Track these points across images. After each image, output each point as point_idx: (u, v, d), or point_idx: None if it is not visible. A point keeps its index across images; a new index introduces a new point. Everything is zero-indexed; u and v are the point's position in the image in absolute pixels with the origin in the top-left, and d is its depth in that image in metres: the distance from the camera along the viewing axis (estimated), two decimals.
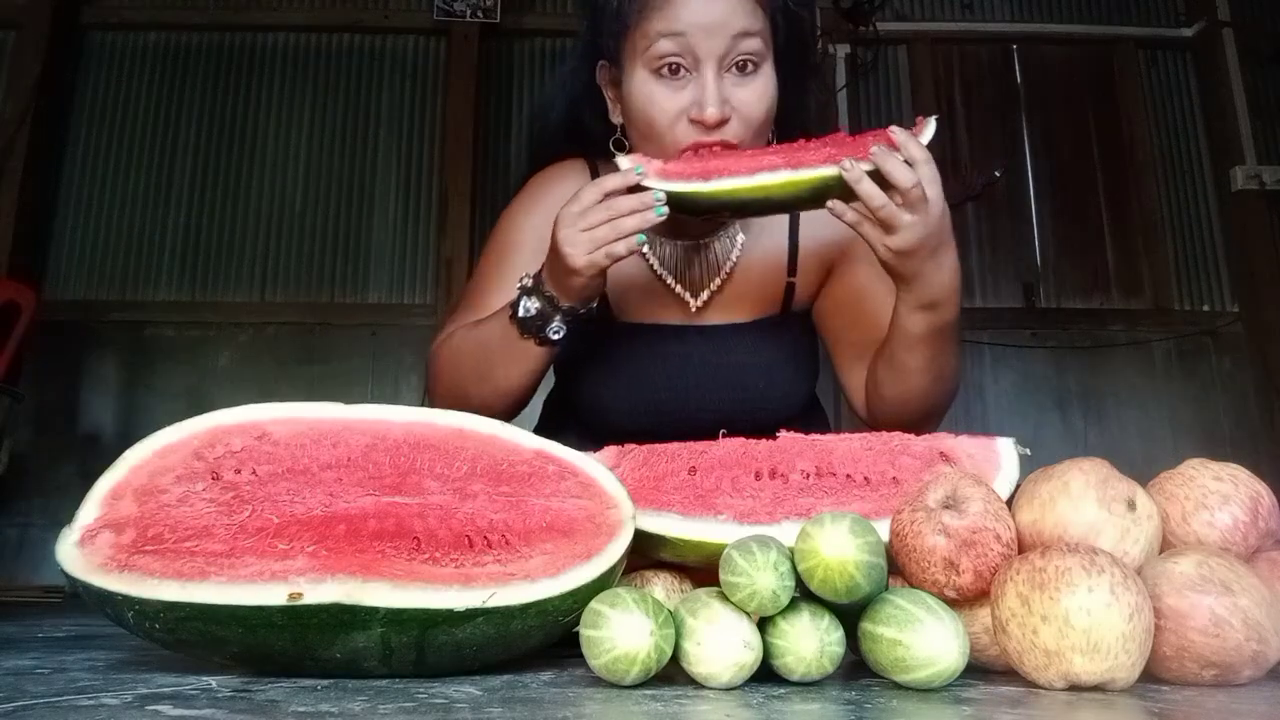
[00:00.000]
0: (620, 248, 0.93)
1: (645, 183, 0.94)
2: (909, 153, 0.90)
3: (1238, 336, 3.48)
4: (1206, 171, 3.64)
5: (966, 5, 3.76)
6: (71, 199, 3.50)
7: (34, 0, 3.46)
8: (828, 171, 0.91)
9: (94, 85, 3.60)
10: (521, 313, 1.00)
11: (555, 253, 0.96)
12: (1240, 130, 3.49)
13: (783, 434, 0.78)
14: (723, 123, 1.00)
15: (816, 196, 0.93)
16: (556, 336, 1.01)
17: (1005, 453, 0.74)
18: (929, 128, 0.94)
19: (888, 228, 0.91)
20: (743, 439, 0.77)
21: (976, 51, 3.74)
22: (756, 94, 1.02)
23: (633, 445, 0.78)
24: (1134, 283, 3.56)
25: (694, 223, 1.15)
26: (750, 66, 1.02)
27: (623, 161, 0.96)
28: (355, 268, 3.51)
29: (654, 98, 1.02)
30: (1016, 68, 3.73)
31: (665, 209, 0.93)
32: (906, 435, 0.77)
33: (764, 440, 0.77)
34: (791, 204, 0.97)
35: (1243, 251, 3.48)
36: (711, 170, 0.94)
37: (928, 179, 0.89)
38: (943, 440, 0.76)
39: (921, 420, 1.06)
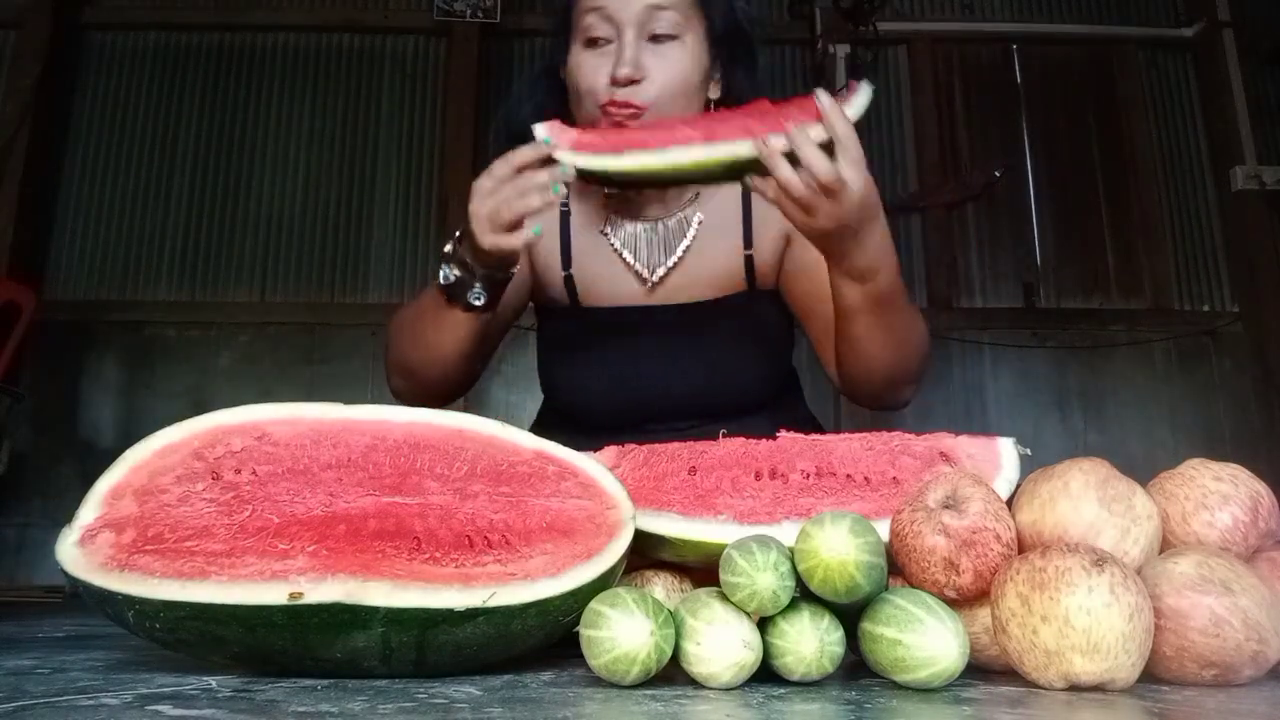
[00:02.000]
0: (534, 201, 0.94)
1: (556, 155, 0.93)
2: (831, 127, 0.87)
3: (1238, 336, 3.47)
4: (1206, 171, 3.64)
5: (966, 5, 3.76)
6: (71, 199, 3.50)
7: (34, 0, 3.46)
8: (742, 149, 0.88)
9: (94, 85, 3.60)
10: (442, 280, 1.02)
11: (469, 222, 0.97)
12: (1240, 130, 3.49)
13: (783, 434, 0.78)
14: (633, 82, 1.07)
15: (733, 171, 0.91)
16: (478, 303, 1.03)
17: (1005, 453, 0.74)
18: (860, 96, 0.90)
19: (806, 210, 0.90)
20: (743, 439, 0.77)
21: (976, 51, 3.74)
22: (671, 61, 1.10)
23: (633, 445, 0.78)
24: (1134, 283, 3.56)
25: (651, 204, 1.19)
26: (666, 39, 1.10)
27: (538, 130, 0.95)
28: (355, 268, 3.51)
29: (582, 65, 1.11)
30: (1016, 68, 3.73)
31: (563, 188, 0.93)
32: (907, 435, 0.77)
33: (764, 440, 0.77)
34: (707, 178, 0.95)
35: (1243, 251, 3.48)
36: (623, 143, 0.93)
37: (850, 160, 0.87)
38: (943, 440, 0.76)
39: (892, 388, 1.08)
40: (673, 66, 1.09)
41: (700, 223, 1.19)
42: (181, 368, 3.38)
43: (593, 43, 1.11)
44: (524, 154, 0.94)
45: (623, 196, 1.20)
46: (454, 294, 1.03)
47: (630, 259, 1.19)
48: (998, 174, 3.54)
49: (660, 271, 1.18)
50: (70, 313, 3.37)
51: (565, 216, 1.23)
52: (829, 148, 0.87)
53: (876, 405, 1.13)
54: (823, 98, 0.88)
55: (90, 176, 3.53)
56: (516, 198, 0.94)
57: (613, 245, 1.20)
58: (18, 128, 3.32)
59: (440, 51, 3.67)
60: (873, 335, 1.02)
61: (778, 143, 0.87)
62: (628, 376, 1.18)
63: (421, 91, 3.66)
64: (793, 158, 0.88)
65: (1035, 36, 3.72)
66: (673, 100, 1.09)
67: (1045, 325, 3.50)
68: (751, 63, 1.22)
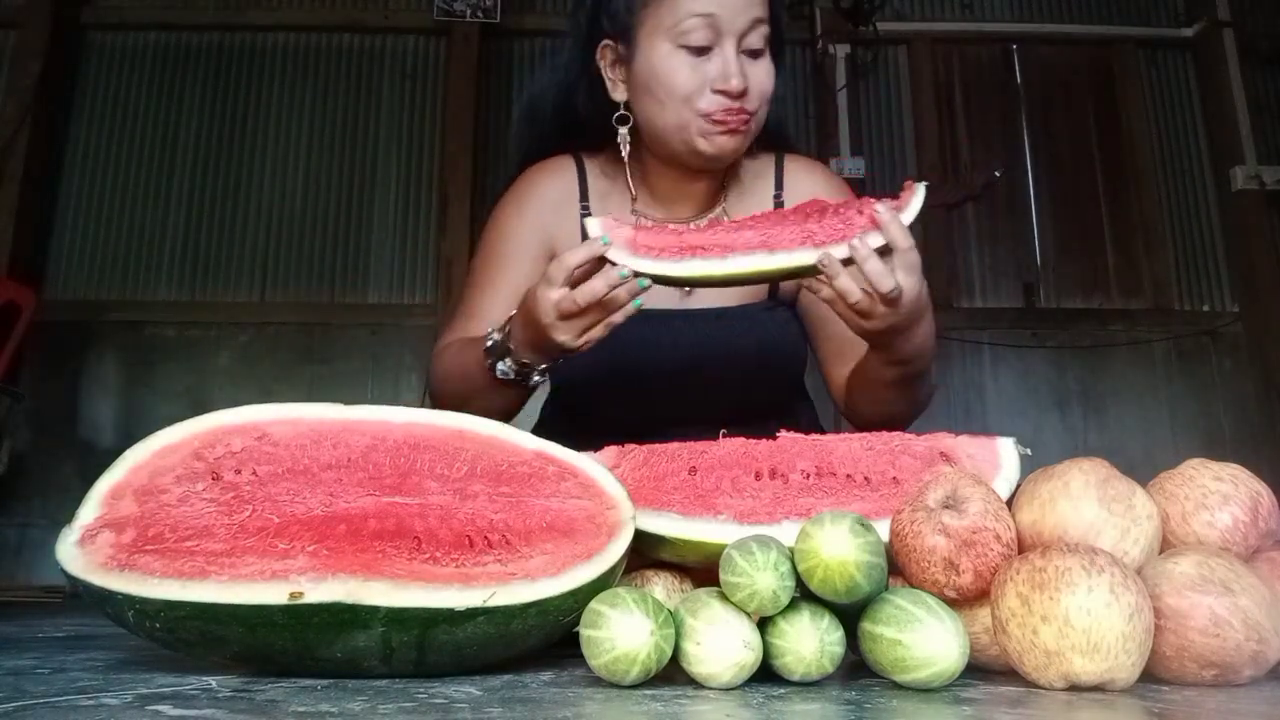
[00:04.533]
0: (618, 318, 0.94)
1: (613, 259, 0.92)
2: (891, 237, 0.88)
3: (1238, 336, 3.47)
4: (1206, 171, 3.64)
5: (966, 5, 3.76)
6: (71, 199, 3.50)
7: (34, 0, 3.46)
8: (803, 259, 0.89)
9: (94, 85, 3.60)
10: (499, 374, 1.03)
11: (539, 335, 0.96)
12: (1240, 130, 3.49)
13: (783, 434, 0.78)
14: (743, 93, 1.09)
15: (792, 276, 0.93)
16: (537, 385, 1.05)
17: (1005, 453, 0.74)
18: (915, 198, 0.92)
19: (862, 316, 0.92)
20: (743, 439, 0.77)
21: (976, 51, 3.74)
22: (765, 72, 1.13)
23: (633, 445, 0.78)
24: (1134, 283, 3.56)
25: (679, 205, 1.20)
26: (759, 53, 1.12)
27: (591, 227, 0.95)
28: (355, 268, 3.51)
29: (679, 69, 1.10)
30: (1016, 68, 3.73)
31: (649, 282, 0.92)
32: (907, 435, 0.77)
33: (764, 440, 0.77)
34: (765, 281, 0.99)
35: (1243, 251, 3.48)
36: (684, 248, 0.92)
37: (906, 266, 0.89)
38: (943, 440, 0.76)
39: (893, 425, 1.09)
40: (765, 79, 1.13)
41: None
42: (181, 368, 3.38)
43: (695, 49, 1.10)
44: (579, 255, 0.93)
45: (649, 192, 1.22)
46: (513, 381, 1.04)
47: None
48: (997, 174, 3.55)
49: None
50: (70, 313, 3.37)
51: (588, 215, 1.22)
52: (885, 251, 0.89)
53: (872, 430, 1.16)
54: (880, 208, 0.89)
55: (90, 177, 3.53)
56: (602, 316, 0.93)
57: None
58: (18, 128, 3.32)
59: (440, 51, 3.67)
60: (897, 399, 1.08)
61: (838, 252, 0.89)
62: (646, 378, 1.18)
63: (421, 91, 3.66)
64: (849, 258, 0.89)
65: (1035, 36, 3.72)
66: (760, 110, 1.13)
67: (1045, 325, 3.50)
68: (779, 71, 1.24)
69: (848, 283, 0.89)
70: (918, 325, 0.96)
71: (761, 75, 1.12)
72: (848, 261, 0.89)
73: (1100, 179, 3.62)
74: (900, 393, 1.07)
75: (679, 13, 1.09)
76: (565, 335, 0.94)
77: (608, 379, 1.18)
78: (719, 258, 0.91)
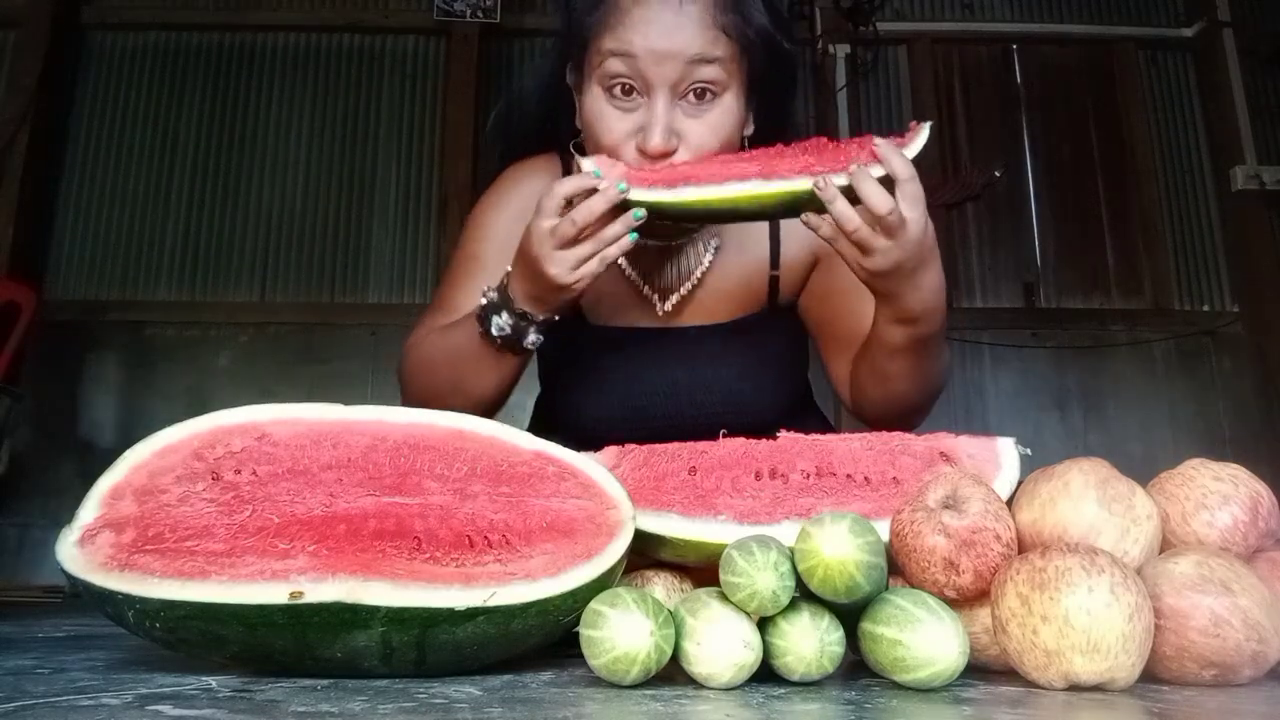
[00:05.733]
0: (613, 251, 0.91)
1: (628, 193, 0.89)
2: (891, 168, 0.85)
3: (1238, 336, 3.47)
4: (1206, 171, 3.64)
5: (966, 5, 3.76)
6: (71, 199, 3.50)
7: (34, 0, 3.46)
8: (800, 185, 0.87)
9: (94, 85, 3.60)
10: (495, 331, 0.97)
11: (534, 270, 0.92)
12: (1240, 130, 3.49)
13: (783, 434, 0.78)
14: (667, 154, 0.96)
15: (790, 208, 0.90)
16: (533, 346, 0.99)
17: (1005, 453, 0.74)
18: (920, 136, 0.89)
19: (863, 249, 0.87)
20: (743, 439, 0.77)
21: (976, 51, 3.74)
22: (709, 126, 0.97)
23: (633, 445, 0.78)
24: (1134, 283, 3.56)
25: (665, 224, 1.10)
26: (709, 95, 0.97)
27: (585, 164, 0.92)
28: (355, 268, 3.51)
29: (603, 117, 0.99)
30: (1016, 68, 3.73)
31: (643, 212, 0.90)
32: (907, 435, 0.77)
33: (764, 440, 0.77)
34: (763, 214, 0.94)
35: (1243, 251, 3.48)
36: (678, 178, 0.90)
37: (909, 198, 0.86)
38: (943, 440, 0.76)
39: (905, 416, 1.05)
40: (710, 133, 0.97)
41: (717, 247, 1.13)
42: (181, 368, 3.38)
43: (617, 91, 0.98)
44: (571, 184, 0.89)
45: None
46: (505, 343, 0.98)
47: (640, 283, 1.13)
48: (998, 174, 3.54)
49: (674, 299, 1.13)
50: (70, 313, 3.37)
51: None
52: (888, 184, 0.86)
53: (882, 428, 1.08)
54: (880, 143, 0.86)
55: (90, 176, 3.53)
56: (588, 239, 0.90)
57: (621, 266, 1.12)
58: (18, 128, 3.32)
59: (440, 51, 3.67)
60: (905, 375, 1.00)
61: (837, 180, 0.86)
62: (638, 403, 1.12)
63: (421, 91, 3.66)
64: (851, 197, 0.86)
65: (1035, 36, 3.72)
66: None
67: (1045, 325, 3.50)
68: (790, 92, 1.14)
69: (845, 207, 0.85)
70: (924, 271, 0.90)
71: (700, 129, 0.96)
72: (848, 194, 0.86)
73: (1100, 179, 3.62)
74: (910, 364, 0.99)
75: (602, 51, 0.97)
76: (559, 267, 0.90)
77: (595, 397, 1.14)
78: (713, 183, 0.89)
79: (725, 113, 0.98)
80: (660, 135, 0.94)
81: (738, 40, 0.98)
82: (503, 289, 0.97)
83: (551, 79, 1.14)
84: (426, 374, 1.08)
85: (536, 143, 1.19)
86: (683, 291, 1.13)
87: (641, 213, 0.90)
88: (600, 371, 1.14)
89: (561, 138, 1.15)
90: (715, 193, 0.89)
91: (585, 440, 0.89)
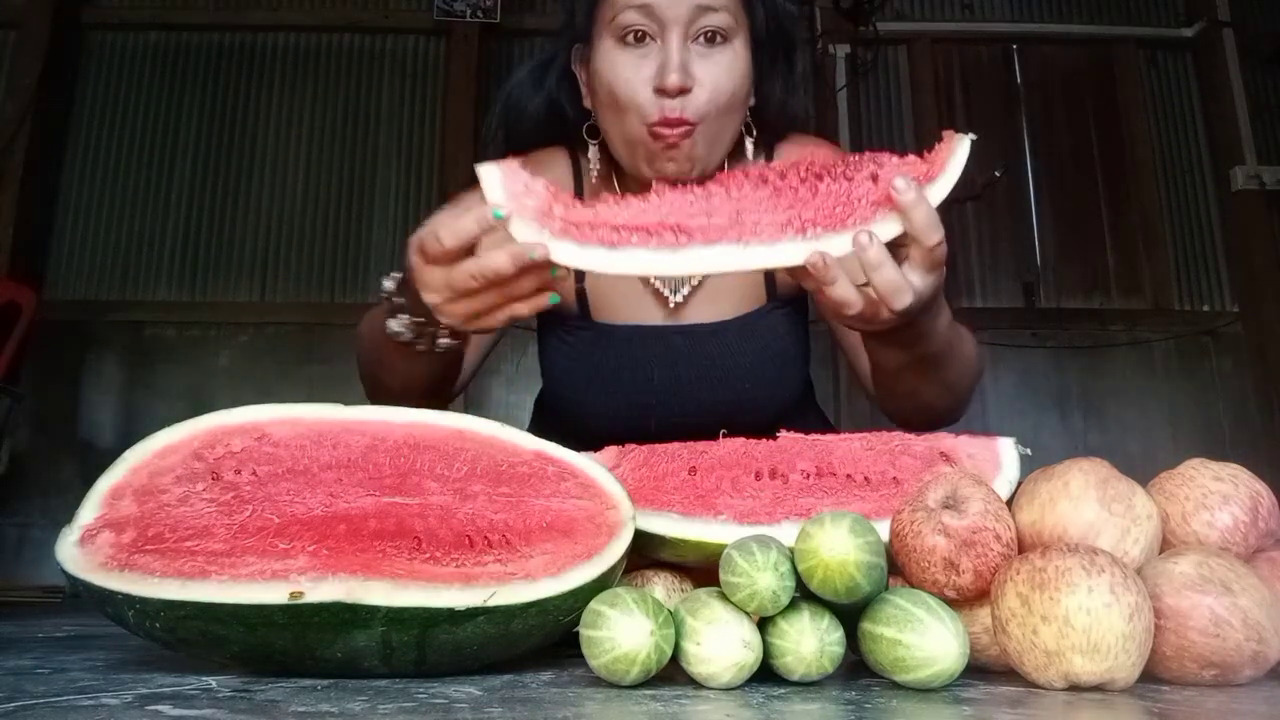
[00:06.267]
0: (523, 309, 0.76)
1: (544, 250, 0.69)
2: (915, 226, 0.68)
3: (1238, 336, 3.48)
4: (1206, 171, 3.64)
5: (966, 5, 3.76)
6: (71, 199, 3.50)
7: (34, 0, 3.46)
8: (786, 260, 0.69)
9: (94, 85, 3.60)
10: (392, 335, 0.86)
11: (423, 301, 0.78)
12: (1240, 130, 3.49)
13: (783, 434, 0.78)
14: (684, 91, 0.95)
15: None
16: (445, 345, 0.86)
17: (1005, 453, 0.74)
18: (957, 155, 0.69)
19: (863, 320, 0.75)
20: (743, 439, 0.77)
21: (976, 51, 3.74)
22: (722, 67, 0.98)
23: (633, 445, 0.78)
24: (1134, 283, 3.56)
25: None
26: (719, 39, 0.98)
27: (485, 180, 0.72)
28: (355, 268, 3.51)
29: (618, 66, 0.98)
30: (1016, 68, 3.73)
31: (563, 273, 0.72)
32: (907, 435, 0.77)
33: (764, 440, 0.77)
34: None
35: (1243, 251, 3.48)
36: (626, 227, 0.70)
37: (923, 263, 0.71)
38: (943, 440, 0.76)
39: (936, 420, 0.98)
40: (723, 74, 0.97)
41: None
42: (181, 368, 3.38)
43: (631, 40, 0.98)
44: (467, 228, 0.72)
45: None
46: (413, 344, 0.86)
47: (653, 278, 1.10)
48: (998, 174, 3.55)
49: (685, 291, 1.11)
50: (70, 313, 3.37)
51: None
52: (901, 241, 0.70)
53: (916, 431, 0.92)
54: (901, 183, 0.67)
55: (90, 176, 3.53)
56: (501, 304, 0.75)
57: None
58: (18, 128, 3.32)
59: (440, 51, 3.67)
60: (922, 387, 0.92)
61: (837, 248, 0.68)
62: (643, 397, 1.11)
63: (421, 91, 3.66)
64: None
65: (1035, 36, 3.73)
66: (721, 114, 0.98)
67: (1045, 325, 3.50)
68: (790, 70, 1.12)
69: (847, 291, 0.70)
70: (925, 317, 0.79)
71: (714, 70, 0.97)
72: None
73: (1100, 179, 3.62)
74: (929, 381, 0.91)
75: (616, 3, 0.98)
76: (457, 312, 0.77)
77: (602, 395, 1.12)
78: (670, 249, 0.69)
79: (736, 58, 1.00)
80: (677, 72, 0.95)
81: None
82: (401, 285, 0.84)
83: (554, 71, 1.13)
84: (365, 352, 1.03)
85: (540, 136, 1.18)
86: (693, 282, 1.12)
87: (562, 271, 0.71)
88: (606, 369, 1.13)
89: (568, 130, 1.14)
90: (669, 261, 0.69)
91: (588, 438, 0.87)
